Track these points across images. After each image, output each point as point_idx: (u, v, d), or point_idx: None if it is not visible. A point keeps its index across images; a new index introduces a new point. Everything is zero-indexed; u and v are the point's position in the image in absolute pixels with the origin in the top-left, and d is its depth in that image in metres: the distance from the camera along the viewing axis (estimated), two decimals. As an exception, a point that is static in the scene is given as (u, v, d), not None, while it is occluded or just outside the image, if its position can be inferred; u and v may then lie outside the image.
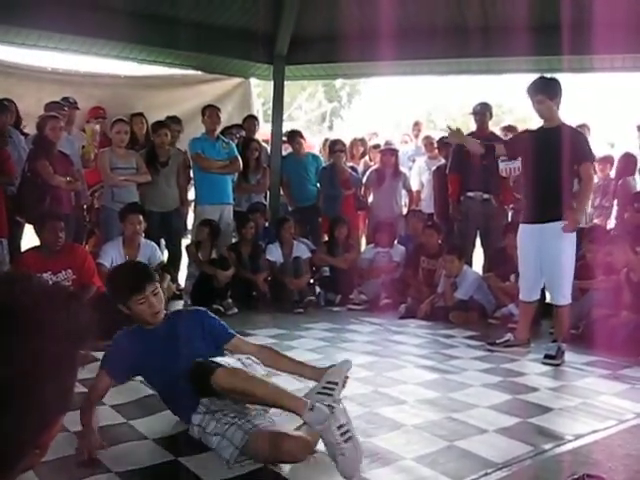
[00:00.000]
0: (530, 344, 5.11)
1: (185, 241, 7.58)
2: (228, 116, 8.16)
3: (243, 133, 8.03)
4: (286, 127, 9.14)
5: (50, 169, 6.04)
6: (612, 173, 7.71)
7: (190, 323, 3.23)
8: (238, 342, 3.27)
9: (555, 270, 4.86)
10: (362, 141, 9.31)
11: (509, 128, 8.16)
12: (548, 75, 5.14)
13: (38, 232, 5.48)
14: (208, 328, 3.24)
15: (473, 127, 7.21)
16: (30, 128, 6.74)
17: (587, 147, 4.95)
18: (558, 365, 4.69)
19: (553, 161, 4.71)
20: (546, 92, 4.80)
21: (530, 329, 5.17)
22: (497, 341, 5.13)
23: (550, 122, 4.86)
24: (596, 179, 7.54)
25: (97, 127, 7.36)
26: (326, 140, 9.15)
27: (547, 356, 4.77)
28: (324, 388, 2.82)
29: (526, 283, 5.07)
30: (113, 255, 5.93)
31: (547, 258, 4.84)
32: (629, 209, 6.69)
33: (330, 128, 24.29)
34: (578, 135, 4.98)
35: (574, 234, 4.87)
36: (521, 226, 5.08)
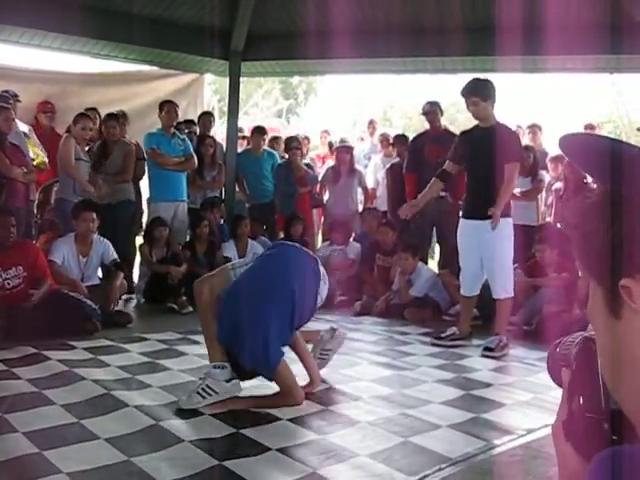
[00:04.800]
0: (472, 337, 5.24)
1: (139, 239, 7.49)
2: (182, 112, 8.09)
3: (195, 129, 7.97)
4: (242, 124, 9.12)
5: (7, 161, 5.93)
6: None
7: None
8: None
9: (493, 264, 5.01)
10: (307, 139, 9.47)
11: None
12: (481, 76, 5.28)
13: None
14: None
15: (428, 125, 7.27)
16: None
17: (515, 146, 5.10)
18: (497, 358, 4.78)
19: (487, 160, 4.85)
20: (480, 94, 4.91)
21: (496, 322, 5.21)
22: (442, 335, 5.23)
23: (485, 122, 5.00)
24: (548, 178, 7.67)
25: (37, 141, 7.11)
26: (274, 138, 9.10)
27: (486, 348, 4.88)
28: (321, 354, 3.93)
29: (466, 278, 5.21)
30: (65, 252, 5.83)
31: (486, 254, 5.00)
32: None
33: (288, 122, 24.26)
34: (510, 134, 5.11)
35: (511, 230, 5.05)
36: (461, 221, 5.22)
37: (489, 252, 4.98)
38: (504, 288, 5.05)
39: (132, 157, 7.17)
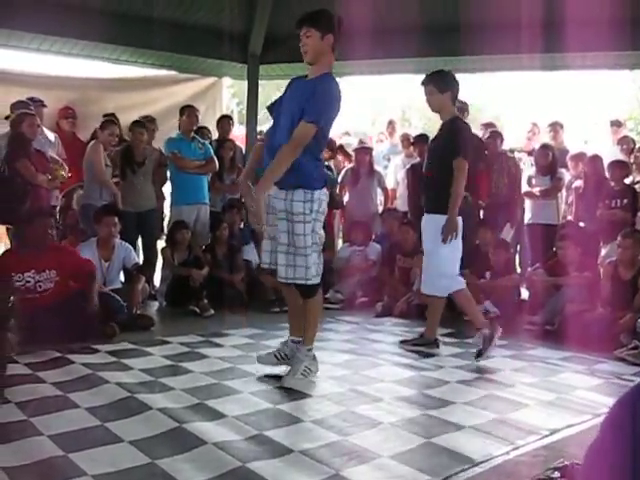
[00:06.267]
0: (437, 342, 5.04)
1: (161, 242, 7.53)
2: (201, 116, 8.12)
3: (210, 135, 7.96)
4: (261, 127, 9.13)
5: (32, 168, 5.97)
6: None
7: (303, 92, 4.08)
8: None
9: (429, 260, 4.88)
10: (330, 142, 9.29)
11: (488, 125, 8.23)
12: (445, 69, 5.04)
13: (23, 230, 5.37)
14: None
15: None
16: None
17: (461, 142, 4.80)
18: (488, 356, 4.64)
19: (436, 154, 4.86)
20: (437, 84, 4.77)
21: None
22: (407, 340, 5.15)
23: (442, 116, 4.88)
24: (569, 176, 7.61)
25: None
26: None
27: (479, 354, 4.66)
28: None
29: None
30: (87, 256, 5.86)
31: (426, 248, 4.93)
32: (601, 206, 6.73)
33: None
34: (459, 129, 4.84)
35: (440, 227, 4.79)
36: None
37: (427, 248, 4.90)
38: (427, 285, 4.91)
39: (160, 164, 7.30)
